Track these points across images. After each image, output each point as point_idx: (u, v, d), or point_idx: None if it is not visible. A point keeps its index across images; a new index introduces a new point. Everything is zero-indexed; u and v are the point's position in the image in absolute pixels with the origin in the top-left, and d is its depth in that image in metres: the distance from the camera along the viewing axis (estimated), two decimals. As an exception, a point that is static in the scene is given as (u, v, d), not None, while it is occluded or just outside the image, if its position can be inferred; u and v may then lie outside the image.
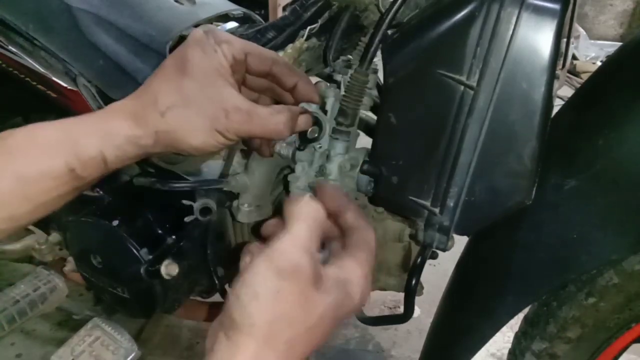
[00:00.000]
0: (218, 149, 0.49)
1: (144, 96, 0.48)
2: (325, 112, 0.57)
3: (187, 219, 0.71)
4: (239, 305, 0.38)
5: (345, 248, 0.45)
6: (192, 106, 0.46)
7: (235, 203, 0.67)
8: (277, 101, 0.55)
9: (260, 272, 0.38)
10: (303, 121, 0.52)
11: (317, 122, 0.56)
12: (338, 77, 0.61)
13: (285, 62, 0.52)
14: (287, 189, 0.62)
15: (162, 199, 0.76)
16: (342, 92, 0.57)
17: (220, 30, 0.76)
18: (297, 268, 0.38)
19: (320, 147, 0.57)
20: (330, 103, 0.57)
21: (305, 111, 0.53)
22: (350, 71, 0.55)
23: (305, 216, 0.41)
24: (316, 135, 0.56)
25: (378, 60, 0.55)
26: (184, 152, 0.49)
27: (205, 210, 0.70)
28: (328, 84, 0.64)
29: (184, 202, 0.71)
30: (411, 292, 0.62)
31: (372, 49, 0.52)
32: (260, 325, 0.37)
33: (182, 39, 0.74)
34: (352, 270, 0.43)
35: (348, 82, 0.54)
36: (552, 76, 0.47)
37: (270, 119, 0.47)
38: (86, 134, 0.47)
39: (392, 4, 0.51)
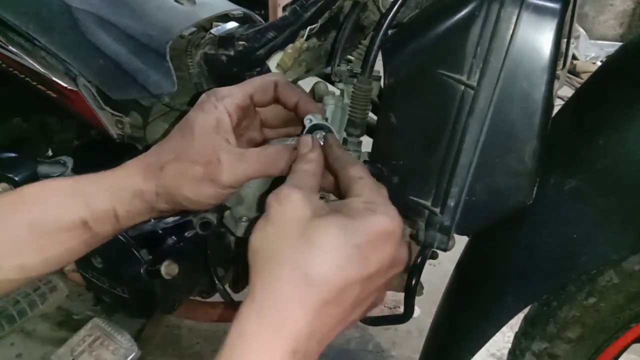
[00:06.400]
0: (216, 200, 0.50)
1: (150, 154, 0.51)
2: (325, 119, 0.56)
3: (187, 234, 0.70)
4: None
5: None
6: (186, 160, 0.48)
7: (227, 215, 0.66)
8: None
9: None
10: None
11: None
12: (340, 86, 0.61)
13: (287, 82, 0.53)
14: None
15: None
16: (345, 101, 0.56)
17: (221, 29, 0.76)
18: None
19: None
20: (330, 111, 0.57)
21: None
22: (355, 80, 0.55)
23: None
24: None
25: (378, 60, 0.54)
26: (183, 206, 0.51)
27: (205, 225, 0.70)
28: (328, 85, 0.64)
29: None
30: (411, 292, 0.62)
31: (372, 55, 0.52)
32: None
33: (181, 38, 0.74)
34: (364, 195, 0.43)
35: (352, 92, 0.54)
36: (552, 76, 0.47)
37: (262, 153, 0.49)
38: (99, 189, 0.49)
39: (392, 4, 0.51)
